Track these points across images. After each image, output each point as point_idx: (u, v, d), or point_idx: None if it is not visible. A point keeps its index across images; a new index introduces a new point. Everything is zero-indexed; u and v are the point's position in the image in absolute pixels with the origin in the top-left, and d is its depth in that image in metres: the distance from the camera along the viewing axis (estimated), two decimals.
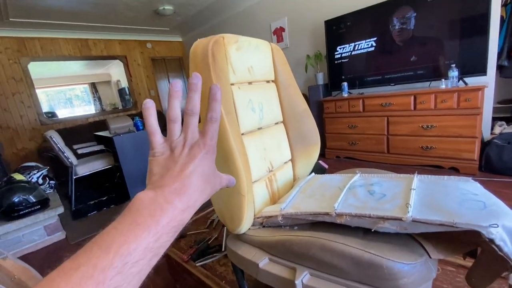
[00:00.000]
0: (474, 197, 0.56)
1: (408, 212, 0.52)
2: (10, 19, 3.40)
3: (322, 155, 3.09)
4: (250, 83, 0.84)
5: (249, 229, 0.74)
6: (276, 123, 0.96)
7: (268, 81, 0.93)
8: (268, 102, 0.90)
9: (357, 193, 0.67)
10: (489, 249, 0.46)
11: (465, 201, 0.54)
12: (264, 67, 0.88)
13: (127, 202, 2.60)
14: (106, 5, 3.39)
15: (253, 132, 0.83)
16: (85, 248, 0.20)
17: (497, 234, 0.43)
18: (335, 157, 2.98)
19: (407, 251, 0.51)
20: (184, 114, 0.29)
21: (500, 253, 0.44)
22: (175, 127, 0.29)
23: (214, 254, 0.98)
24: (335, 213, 0.60)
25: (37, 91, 4.08)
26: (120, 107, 5.53)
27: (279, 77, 0.95)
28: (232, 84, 0.74)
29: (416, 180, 0.68)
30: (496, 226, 0.44)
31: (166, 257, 1.08)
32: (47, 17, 3.55)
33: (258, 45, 0.84)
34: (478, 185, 0.63)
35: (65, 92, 7.07)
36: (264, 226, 0.75)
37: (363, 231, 0.60)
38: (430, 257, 0.52)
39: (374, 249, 0.51)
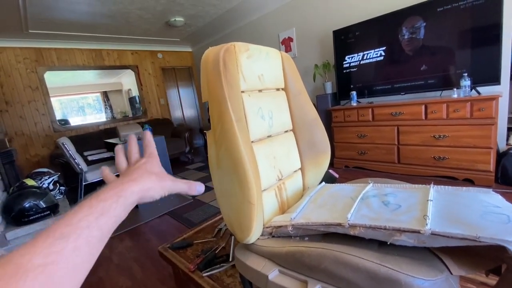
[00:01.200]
0: (497, 209, 0.53)
1: (427, 224, 0.49)
2: (30, 31, 3.56)
3: (331, 165, 3.05)
4: (260, 90, 0.84)
5: (258, 239, 0.72)
6: (286, 131, 0.95)
7: (278, 89, 0.93)
8: (278, 110, 0.90)
9: (371, 203, 0.64)
10: None
11: (487, 213, 0.51)
12: (274, 75, 0.88)
13: (134, 209, 2.61)
14: (121, 17, 3.51)
15: (263, 140, 0.82)
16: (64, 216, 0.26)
17: None
18: (344, 167, 2.93)
19: (426, 266, 0.49)
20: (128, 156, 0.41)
21: None
22: (134, 155, 0.41)
23: (222, 264, 0.96)
24: (348, 224, 0.57)
25: (52, 99, 4.21)
26: (130, 115, 5.63)
27: (289, 85, 0.94)
28: (242, 92, 0.74)
29: (433, 191, 0.66)
30: None
31: (173, 266, 1.07)
32: (64, 29, 3.70)
33: (268, 53, 0.84)
34: (499, 197, 0.60)
35: (77, 100, 7.28)
36: (273, 236, 0.73)
37: (377, 243, 0.58)
38: (451, 273, 0.49)
39: (391, 263, 0.49)
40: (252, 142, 0.76)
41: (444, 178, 2.23)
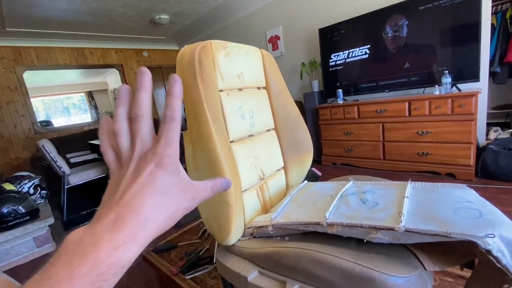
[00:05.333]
0: (469, 205, 0.54)
1: (401, 221, 0.50)
2: (7, 29, 3.40)
3: (318, 162, 3.08)
4: (240, 89, 0.83)
5: (239, 240, 0.71)
6: (268, 130, 0.94)
7: (259, 88, 0.92)
8: (259, 109, 0.89)
9: (349, 201, 0.65)
10: (487, 260, 0.44)
11: (459, 209, 0.52)
12: (254, 74, 0.87)
13: None
14: (103, 14, 3.41)
15: (244, 139, 0.81)
16: None
17: (494, 245, 0.41)
18: (331, 164, 2.96)
19: (401, 263, 0.49)
20: (132, 119, 0.24)
21: (498, 265, 0.42)
22: (142, 126, 0.23)
23: (205, 266, 0.95)
24: (326, 222, 0.57)
25: (34, 100, 4.06)
26: None
27: (270, 83, 0.93)
28: (220, 91, 0.73)
29: (410, 187, 0.66)
30: (493, 236, 0.41)
31: (156, 270, 1.04)
32: (44, 27, 3.56)
33: (248, 52, 0.83)
34: (473, 192, 0.61)
35: (62, 100, 7.06)
36: (254, 237, 0.72)
37: (356, 241, 0.58)
38: (425, 269, 0.50)
39: (366, 261, 0.49)
40: (231, 142, 0.75)
41: (428, 173, 2.28)
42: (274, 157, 0.92)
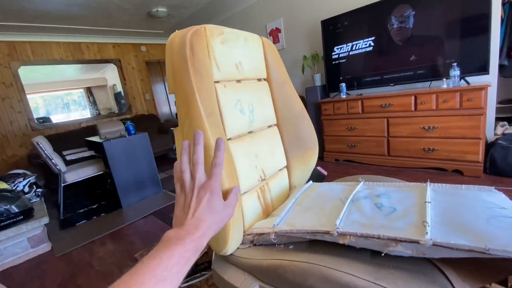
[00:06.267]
0: (503, 211, 0.47)
1: (427, 233, 0.42)
2: (0, 23, 3.31)
3: (320, 158, 3.00)
4: (238, 81, 0.75)
5: (238, 248, 0.64)
6: (269, 126, 0.86)
7: (259, 79, 0.84)
8: (259, 103, 0.81)
9: (362, 206, 0.57)
10: None
11: (493, 217, 0.45)
12: (254, 64, 0.79)
13: (118, 210, 2.50)
14: (98, 8, 3.31)
15: (242, 136, 0.73)
16: (140, 261, 0.30)
17: None
18: (334, 160, 2.89)
19: (426, 281, 0.42)
20: (193, 164, 0.39)
21: None
22: (199, 169, 0.39)
23: (202, 273, 0.88)
24: (337, 232, 0.50)
25: (33, 96, 3.99)
26: (116, 111, 5.43)
27: (272, 74, 0.85)
28: (216, 82, 0.65)
29: (430, 190, 0.59)
30: None
31: None
32: (38, 21, 3.46)
33: (247, 39, 0.75)
34: (503, 196, 0.54)
35: (62, 97, 6.98)
36: (255, 245, 0.65)
37: (370, 251, 0.51)
38: None
39: (386, 280, 0.42)
40: (229, 139, 0.67)
41: (434, 169, 2.21)
42: (276, 156, 0.84)
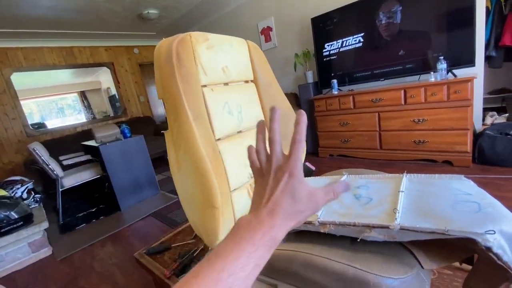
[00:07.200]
0: (468, 197, 0.51)
1: (396, 219, 0.47)
2: None
3: (315, 154, 3.05)
4: (226, 84, 0.78)
5: None
6: None
7: (247, 81, 0.88)
8: (247, 104, 0.85)
9: (342, 197, 0.61)
10: (487, 257, 0.41)
11: (457, 203, 0.49)
12: (241, 67, 0.83)
13: (116, 212, 2.53)
14: (89, 12, 3.31)
15: (232, 136, 0.77)
16: (206, 258, 0.28)
17: (495, 242, 0.38)
18: (328, 156, 2.94)
19: (397, 262, 0.46)
20: (269, 143, 0.34)
21: (499, 262, 0.39)
22: (276, 148, 0.33)
23: None
24: (318, 221, 0.54)
25: (27, 101, 3.98)
26: (112, 115, 5.43)
27: (258, 76, 0.89)
28: (204, 86, 0.69)
29: (405, 180, 0.63)
30: (493, 232, 0.39)
31: (149, 273, 1.02)
32: (29, 26, 3.45)
33: (232, 43, 0.79)
34: (471, 183, 0.58)
35: (56, 101, 6.94)
36: None
37: (350, 238, 0.55)
38: (422, 267, 0.47)
39: (360, 262, 0.46)
40: (218, 140, 0.71)
41: (425, 161, 2.27)
42: None
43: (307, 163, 0.99)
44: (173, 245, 1.12)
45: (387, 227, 0.46)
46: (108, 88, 5.87)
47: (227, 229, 0.62)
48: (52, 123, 6.23)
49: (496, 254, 0.39)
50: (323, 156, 2.97)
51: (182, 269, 0.92)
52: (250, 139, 0.83)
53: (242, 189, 0.76)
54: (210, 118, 0.67)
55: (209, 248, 1.06)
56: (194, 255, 0.99)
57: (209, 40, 0.70)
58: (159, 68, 0.61)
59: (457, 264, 0.83)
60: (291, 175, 0.31)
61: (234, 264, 0.26)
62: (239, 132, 0.81)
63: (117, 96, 5.08)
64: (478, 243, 0.39)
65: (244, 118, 0.82)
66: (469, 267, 0.53)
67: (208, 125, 0.65)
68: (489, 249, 0.39)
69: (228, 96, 0.77)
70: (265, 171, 0.33)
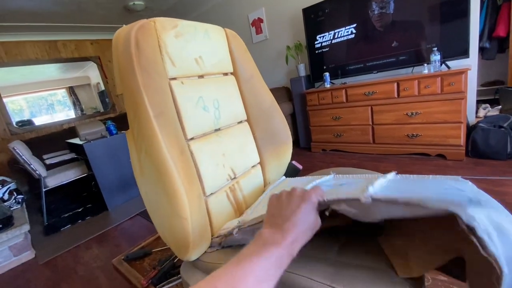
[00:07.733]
0: (458, 192, 0.45)
1: (368, 190, 0.40)
2: None
3: (308, 149, 3.00)
4: (201, 76, 0.71)
5: (205, 252, 0.62)
6: (240, 122, 0.83)
7: (225, 74, 0.80)
8: (226, 99, 0.78)
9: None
10: (474, 249, 0.34)
11: (444, 191, 0.43)
12: (218, 57, 0.75)
13: (104, 212, 2.45)
14: (69, 3, 3.15)
15: (208, 135, 0.70)
16: (225, 266, 0.33)
17: (480, 222, 0.30)
18: (321, 150, 2.89)
19: (388, 281, 0.40)
20: None
21: (482, 252, 0.31)
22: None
23: (179, 276, 0.86)
24: None
25: (14, 98, 3.82)
26: (102, 111, 5.28)
27: (238, 68, 0.82)
28: (173, 79, 0.61)
29: (391, 176, 0.57)
30: (479, 209, 0.32)
31: (127, 281, 0.96)
32: (9, 19, 3.28)
33: (207, 31, 0.71)
34: (469, 183, 0.52)
35: (46, 98, 6.72)
36: (223, 247, 0.63)
37: (338, 247, 0.49)
38: (397, 274, 0.41)
39: (343, 281, 0.40)
40: (191, 139, 0.64)
41: (418, 155, 2.23)
42: (247, 153, 0.81)
43: (293, 162, 0.93)
44: (153, 250, 1.06)
45: (358, 200, 0.39)
46: (98, 83, 5.69)
47: (201, 239, 0.56)
48: (42, 120, 6.03)
49: (480, 239, 0.31)
50: (316, 151, 2.91)
51: (161, 277, 0.86)
52: (231, 138, 0.76)
53: (220, 193, 0.69)
54: (180, 115, 0.60)
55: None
56: (175, 261, 0.93)
57: (178, 27, 0.62)
58: (117, 58, 0.53)
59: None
60: (308, 204, 0.39)
61: (266, 261, 0.32)
62: (217, 130, 0.74)
63: (105, 92, 4.93)
64: (460, 219, 0.32)
65: (223, 114, 0.75)
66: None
67: (177, 123, 0.57)
68: (472, 230, 0.31)
69: (203, 90, 0.69)
70: (286, 194, 0.42)
